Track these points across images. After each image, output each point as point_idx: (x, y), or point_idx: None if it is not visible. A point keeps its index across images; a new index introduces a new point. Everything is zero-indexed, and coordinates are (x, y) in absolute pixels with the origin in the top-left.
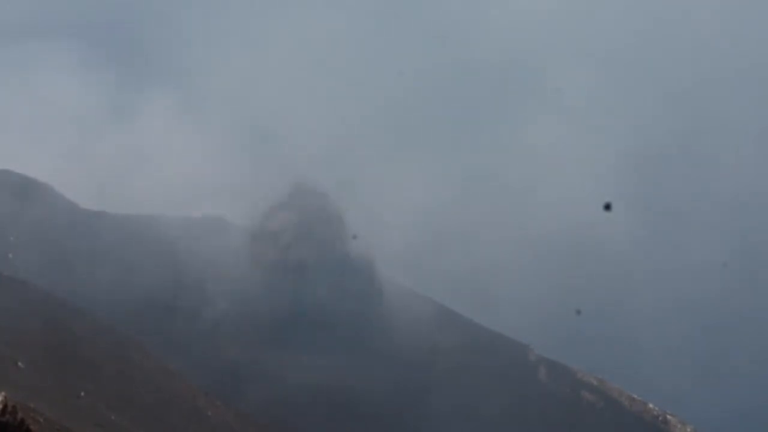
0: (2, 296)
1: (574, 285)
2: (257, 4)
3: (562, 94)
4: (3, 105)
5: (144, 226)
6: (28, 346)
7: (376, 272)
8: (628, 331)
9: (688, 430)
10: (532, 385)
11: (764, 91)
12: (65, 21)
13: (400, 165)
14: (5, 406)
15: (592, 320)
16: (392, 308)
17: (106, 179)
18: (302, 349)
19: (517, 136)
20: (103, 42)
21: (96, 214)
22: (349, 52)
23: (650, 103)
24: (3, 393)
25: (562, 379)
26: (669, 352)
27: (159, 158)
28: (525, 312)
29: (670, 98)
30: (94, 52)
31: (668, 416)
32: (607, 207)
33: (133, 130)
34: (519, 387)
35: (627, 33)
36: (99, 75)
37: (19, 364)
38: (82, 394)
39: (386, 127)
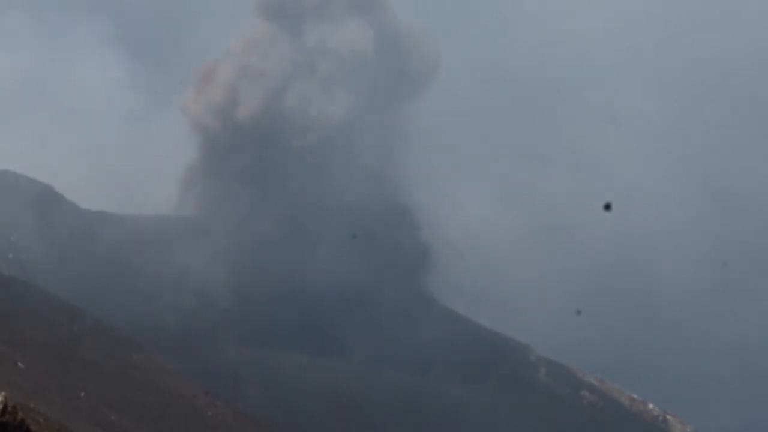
0: (2, 296)
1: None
2: None
3: (561, 92)
4: (4, 101)
5: (144, 226)
6: (28, 346)
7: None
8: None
9: (688, 430)
10: (533, 385)
11: None
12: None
13: (446, 180)
14: (5, 406)
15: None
16: (392, 309)
17: (108, 179)
18: (303, 348)
19: (571, 153)
20: (131, 34)
21: (96, 214)
22: None
23: (719, 127)
24: (3, 393)
25: (562, 379)
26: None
27: (166, 159)
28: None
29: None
30: (117, 43)
31: (668, 416)
32: (607, 207)
33: (142, 130)
34: (519, 387)
35: (692, 53)
36: (113, 67)
37: (19, 364)
38: (82, 394)
39: (435, 144)
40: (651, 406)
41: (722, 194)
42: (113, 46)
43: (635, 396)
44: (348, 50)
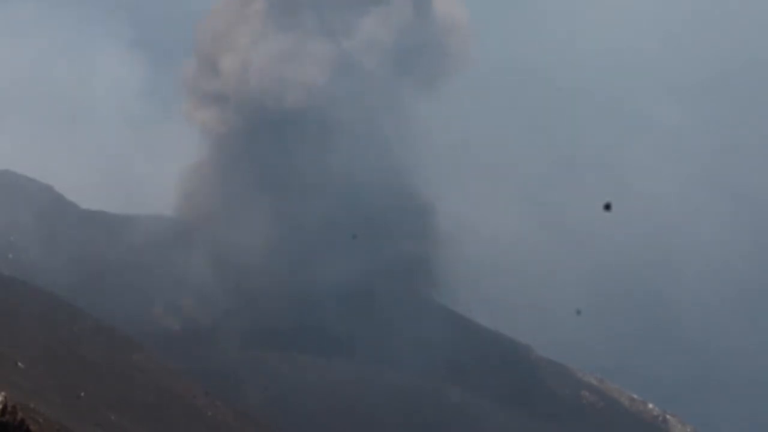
0: (2, 296)
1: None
2: None
3: (563, 93)
4: (10, 99)
5: (145, 227)
6: (28, 346)
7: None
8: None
9: (688, 430)
10: (533, 385)
11: None
12: None
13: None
14: (5, 406)
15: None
16: (393, 309)
17: (108, 179)
18: (303, 348)
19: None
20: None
21: (95, 214)
22: None
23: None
24: (3, 393)
25: (562, 379)
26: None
27: (169, 160)
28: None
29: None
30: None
31: (668, 416)
32: (607, 207)
33: (147, 132)
34: (519, 387)
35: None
36: (125, 68)
37: (19, 364)
38: (82, 394)
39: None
40: (651, 406)
41: (732, 195)
42: (129, 48)
43: (635, 396)
44: (371, 40)
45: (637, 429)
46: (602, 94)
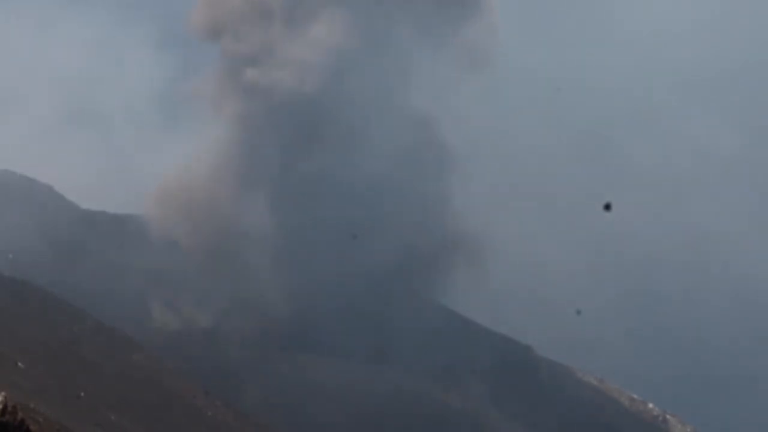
0: (2, 296)
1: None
2: None
3: (560, 92)
4: (4, 96)
5: (144, 227)
6: (28, 346)
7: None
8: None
9: (688, 430)
10: (533, 385)
11: None
12: None
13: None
14: (5, 406)
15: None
16: (393, 309)
17: (108, 179)
18: (303, 348)
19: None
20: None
21: (95, 213)
22: None
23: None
24: (3, 393)
25: (562, 379)
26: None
27: (166, 158)
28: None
29: None
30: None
31: (668, 416)
32: (607, 207)
33: (143, 129)
34: (519, 387)
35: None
36: (146, 69)
37: (19, 364)
38: (82, 394)
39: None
40: (651, 406)
41: (735, 194)
42: (154, 49)
43: (635, 396)
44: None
45: (637, 429)
46: (612, 90)
